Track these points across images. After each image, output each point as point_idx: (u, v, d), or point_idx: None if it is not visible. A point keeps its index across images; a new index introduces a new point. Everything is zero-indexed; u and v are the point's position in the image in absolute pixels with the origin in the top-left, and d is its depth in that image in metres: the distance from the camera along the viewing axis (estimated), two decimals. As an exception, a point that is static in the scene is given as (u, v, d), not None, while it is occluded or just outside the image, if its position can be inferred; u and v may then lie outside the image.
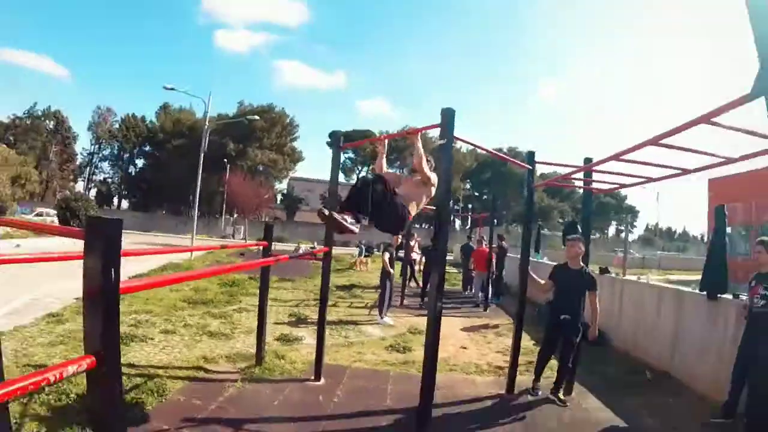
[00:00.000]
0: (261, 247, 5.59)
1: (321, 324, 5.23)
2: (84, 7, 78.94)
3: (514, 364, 5.12)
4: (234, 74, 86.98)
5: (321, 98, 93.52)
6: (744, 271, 5.75)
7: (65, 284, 8.75)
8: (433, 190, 3.77)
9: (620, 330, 7.49)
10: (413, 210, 3.64)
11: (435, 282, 3.89)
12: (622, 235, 55.20)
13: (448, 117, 3.76)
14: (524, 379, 5.35)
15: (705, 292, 5.49)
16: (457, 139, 3.91)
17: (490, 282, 11.44)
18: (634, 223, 62.53)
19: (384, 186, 3.24)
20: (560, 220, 55.86)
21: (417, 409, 3.83)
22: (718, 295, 5.33)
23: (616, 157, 3.84)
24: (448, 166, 3.89)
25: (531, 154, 5.27)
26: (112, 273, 1.51)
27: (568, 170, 5.46)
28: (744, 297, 4.61)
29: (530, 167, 5.24)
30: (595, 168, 4.76)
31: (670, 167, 4.00)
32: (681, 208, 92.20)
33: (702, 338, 5.52)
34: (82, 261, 1.52)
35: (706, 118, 2.37)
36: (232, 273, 12.33)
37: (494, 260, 11.72)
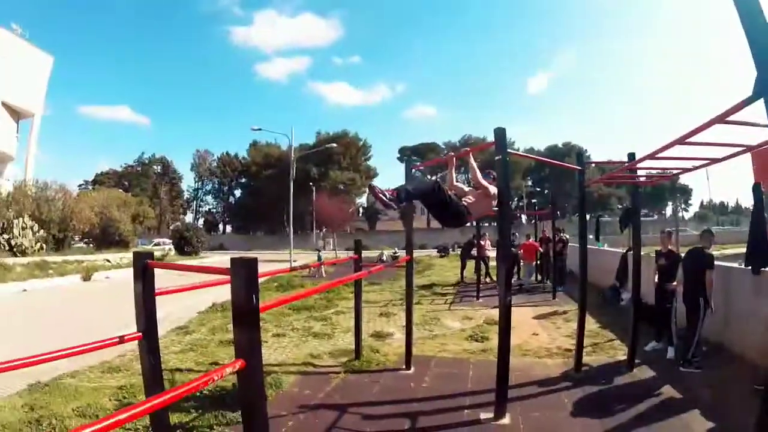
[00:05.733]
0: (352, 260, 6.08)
1: (408, 321, 5.56)
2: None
3: (579, 345, 5.15)
4: (281, 103, 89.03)
5: (368, 113, 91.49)
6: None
7: (184, 303, 9.72)
8: (494, 200, 4.00)
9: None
10: (474, 212, 3.92)
11: (502, 277, 3.97)
12: (679, 214, 51.56)
13: (500, 136, 3.90)
14: (589, 359, 5.43)
15: (750, 267, 5.24)
16: (512, 153, 4.04)
17: (553, 272, 11.65)
18: (690, 202, 58.31)
19: (443, 192, 3.61)
20: (619, 206, 53.38)
21: (495, 386, 3.96)
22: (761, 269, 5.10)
23: (651, 156, 3.84)
24: (505, 181, 3.99)
25: (579, 156, 5.25)
26: (254, 298, 1.98)
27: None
28: None
29: (580, 168, 5.22)
30: (639, 165, 4.63)
31: (694, 158, 3.96)
32: (730, 181, 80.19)
33: (749, 310, 5.26)
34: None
35: (721, 119, 2.45)
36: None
37: (552, 252, 11.99)
